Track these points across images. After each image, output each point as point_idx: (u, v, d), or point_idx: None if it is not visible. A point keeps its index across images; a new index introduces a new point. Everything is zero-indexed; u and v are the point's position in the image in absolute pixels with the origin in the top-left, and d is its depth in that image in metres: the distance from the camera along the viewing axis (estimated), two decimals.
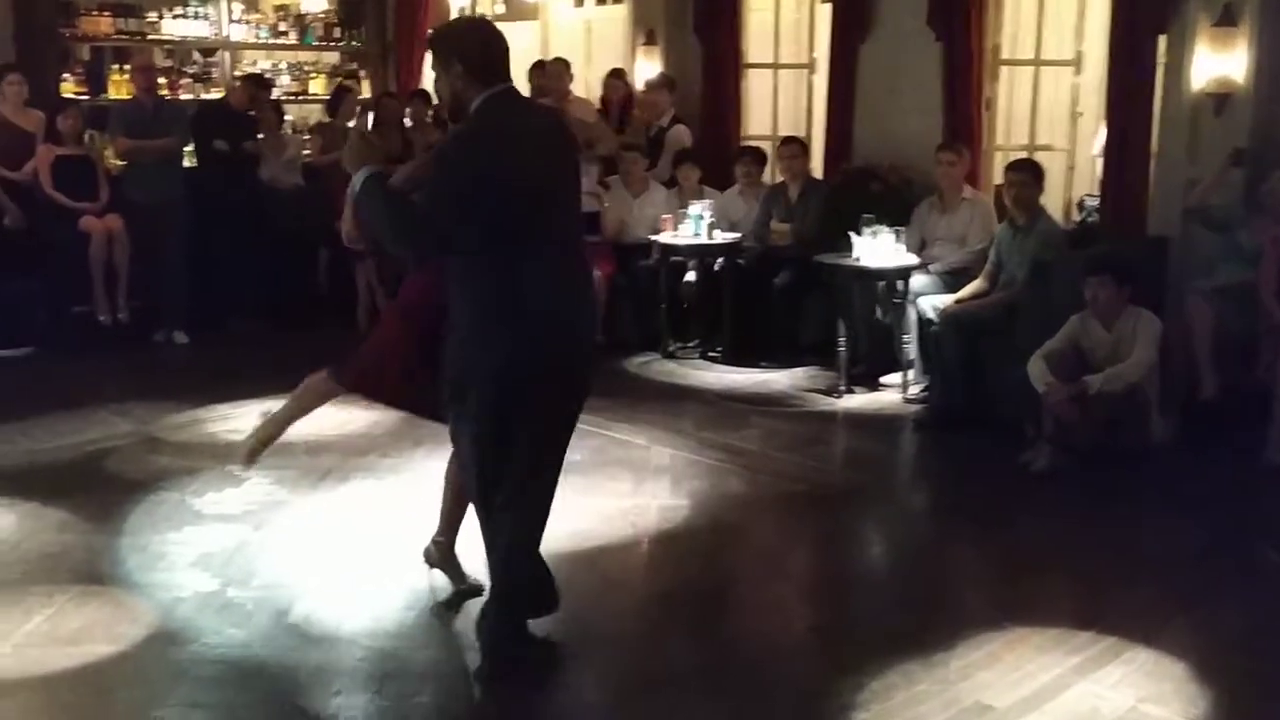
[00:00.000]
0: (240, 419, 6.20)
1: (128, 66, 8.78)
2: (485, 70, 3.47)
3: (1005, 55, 7.80)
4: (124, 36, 9.22)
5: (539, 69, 8.89)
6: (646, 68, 9.10)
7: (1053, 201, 7.18)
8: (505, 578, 3.70)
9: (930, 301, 6.59)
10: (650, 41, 9.15)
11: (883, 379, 7.00)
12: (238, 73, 9.54)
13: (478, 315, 3.49)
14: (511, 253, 3.41)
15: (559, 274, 3.52)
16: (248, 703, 3.54)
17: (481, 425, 3.53)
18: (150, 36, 9.31)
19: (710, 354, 7.73)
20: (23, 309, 7.73)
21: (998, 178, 7.23)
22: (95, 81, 9.08)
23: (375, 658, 3.75)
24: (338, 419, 6.15)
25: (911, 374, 6.79)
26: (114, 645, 3.82)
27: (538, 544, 3.72)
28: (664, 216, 7.80)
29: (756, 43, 9.03)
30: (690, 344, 7.89)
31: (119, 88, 8.97)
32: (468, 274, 3.48)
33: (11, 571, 4.35)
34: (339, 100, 8.76)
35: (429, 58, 4.99)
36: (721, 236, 7.67)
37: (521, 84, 8.85)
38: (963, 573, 4.75)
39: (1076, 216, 7.53)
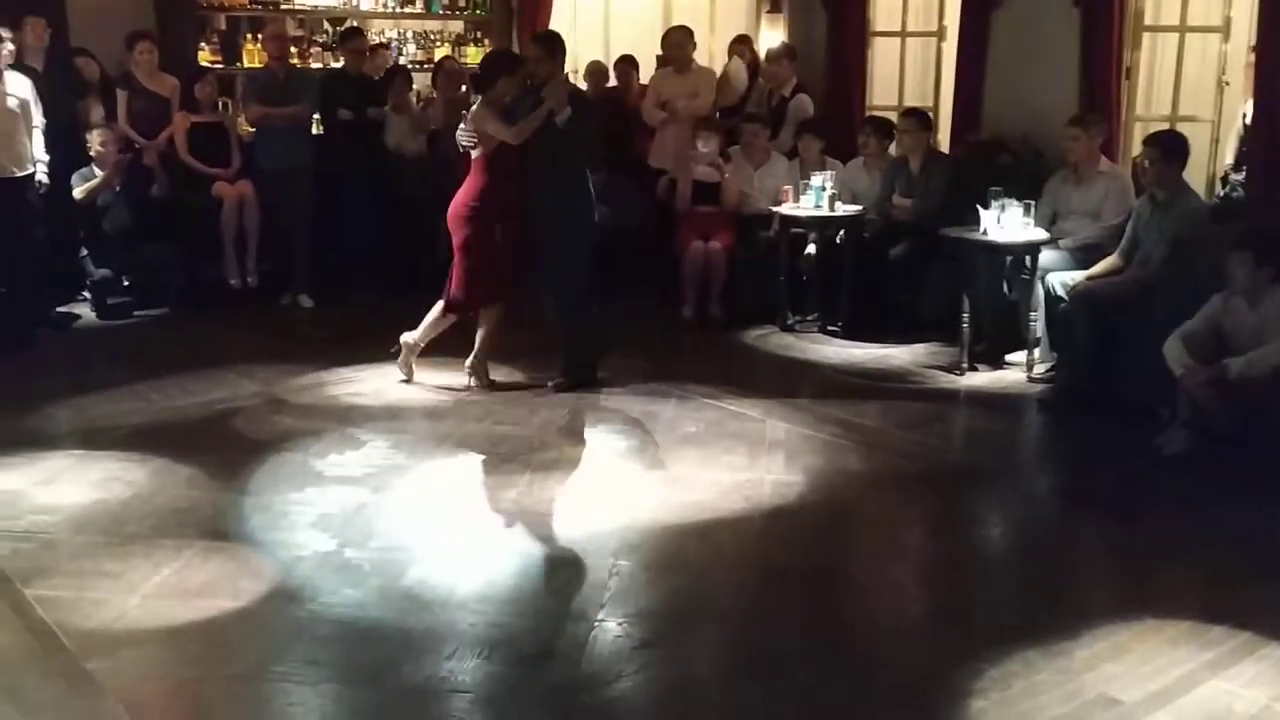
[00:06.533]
0: (362, 382, 6.35)
1: (260, 36, 8.98)
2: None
3: (1148, 21, 7.49)
4: (257, 6, 9.45)
5: (667, 39, 8.82)
6: (770, 36, 8.95)
7: (1196, 175, 6.87)
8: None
9: (1060, 278, 6.35)
10: (775, 9, 9.01)
11: (1007, 357, 6.79)
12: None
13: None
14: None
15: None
16: (362, 662, 3.60)
17: None
18: (283, 6, 9.52)
19: (829, 328, 7.60)
20: (160, 272, 8.01)
21: (1137, 149, 6.95)
22: (230, 50, 9.32)
23: (486, 623, 3.77)
24: (455, 385, 6.22)
25: (1038, 352, 6.57)
26: (236, 600, 3.92)
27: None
28: (785, 187, 7.68)
29: (884, 10, 8.82)
30: (809, 317, 7.76)
31: (252, 56, 9.18)
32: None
33: (143, 525, 4.51)
34: (437, 76, 8.94)
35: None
36: (843, 208, 7.52)
37: (650, 53, 8.95)
38: (1088, 560, 4.58)
39: (1221, 191, 7.20)
